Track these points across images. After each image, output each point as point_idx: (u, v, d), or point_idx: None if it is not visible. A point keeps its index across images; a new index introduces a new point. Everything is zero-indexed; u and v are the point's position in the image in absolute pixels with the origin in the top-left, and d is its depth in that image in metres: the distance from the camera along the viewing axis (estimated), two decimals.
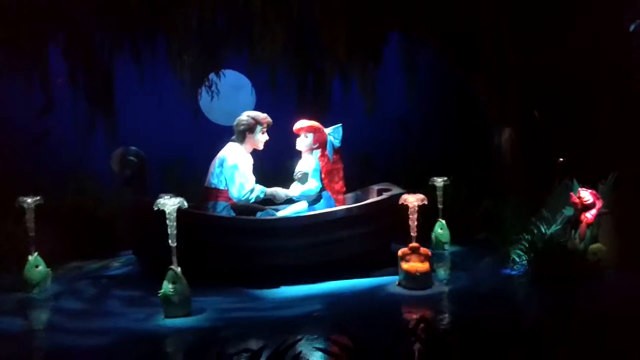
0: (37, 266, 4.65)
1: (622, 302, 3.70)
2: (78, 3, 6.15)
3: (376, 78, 6.75)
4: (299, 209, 5.28)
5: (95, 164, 7.19)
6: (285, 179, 5.63)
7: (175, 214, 3.90)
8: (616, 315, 3.39)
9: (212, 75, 7.03)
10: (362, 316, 3.75)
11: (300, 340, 2.80)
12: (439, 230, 5.62)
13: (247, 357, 2.37)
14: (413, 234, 4.40)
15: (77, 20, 6.38)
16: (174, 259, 3.91)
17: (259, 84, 7.83)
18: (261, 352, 2.42)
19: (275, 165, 6.28)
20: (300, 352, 2.59)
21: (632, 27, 4.87)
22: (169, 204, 3.91)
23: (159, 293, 3.85)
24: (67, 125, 6.84)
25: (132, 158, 5.05)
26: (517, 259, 4.67)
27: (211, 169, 5.24)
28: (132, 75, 6.91)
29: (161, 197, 3.94)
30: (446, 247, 5.60)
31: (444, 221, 5.65)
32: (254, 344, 2.89)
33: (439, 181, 5.64)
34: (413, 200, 4.40)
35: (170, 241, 3.89)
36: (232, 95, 7.75)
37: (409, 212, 4.42)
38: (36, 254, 4.69)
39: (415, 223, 4.41)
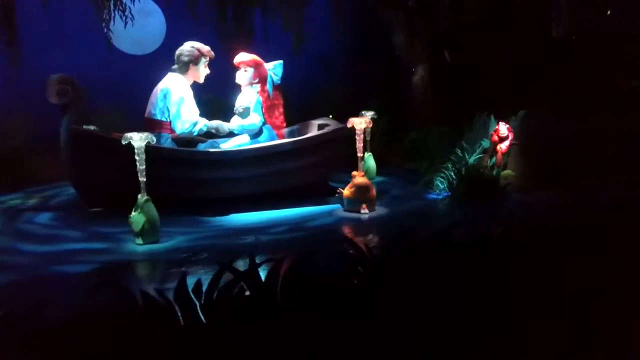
0: None
1: (530, 215, 4.77)
2: None
3: (302, 15, 7.12)
4: (241, 142, 5.66)
5: None
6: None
7: (144, 149, 4.15)
8: (529, 223, 4.40)
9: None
10: (332, 234, 4.42)
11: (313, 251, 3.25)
12: (369, 162, 6.38)
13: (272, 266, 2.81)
14: (359, 154, 5.10)
15: None
16: (143, 188, 4.20)
17: (171, 11, 7.81)
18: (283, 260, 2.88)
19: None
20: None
21: None
22: (137, 138, 4.14)
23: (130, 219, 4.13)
24: None
25: (66, 86, 5.00)
26: (439, 185, 5.60)
27: (152, 99, 5.38)
28: None
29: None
30: (375, 177, 6.40)
31: (370, 154, 6.41)
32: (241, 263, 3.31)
33: (368, 115, 6.33)
34: (360, 122, 5.07)
35: (139, 176, 4.16)
36: (140, 22, 7.64)
37: (355, 135, 5.07)
38: None
39: (361, 145, 5.09)
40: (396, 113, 7.24)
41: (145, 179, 4.19)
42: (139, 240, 4.18)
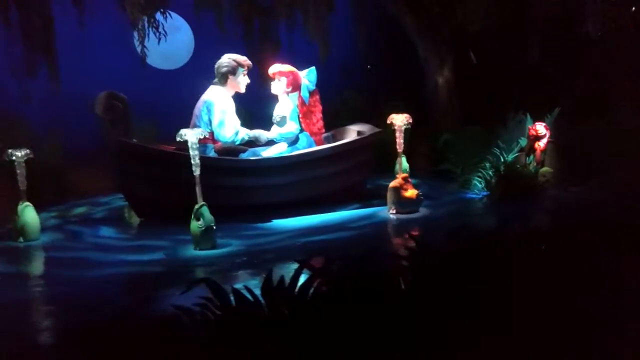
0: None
1: (570, 208, 4.94)
2: None
3: (329, 24, 7.33)
4: (280, 150, 5.85)
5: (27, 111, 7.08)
6: None
7: (198, 144, 4.39)
8: (568, 216, 4.54)
9: (158, 16, 7.13)
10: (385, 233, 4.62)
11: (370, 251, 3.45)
12: (403, 164, 6.53)
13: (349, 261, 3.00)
14: (399, 150, 5.31)
15: None
16: (199, 192, 4.40)
17: (198, 26, 8.05)
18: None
19: None
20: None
21: None
22: (191, 133, 4.37)
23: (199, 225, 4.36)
24: None
25: (116, 102, 5.25)
26: (478, 184, 5.77)
27: (196, 112, 5.60)
28: (72, 16, 6.83)
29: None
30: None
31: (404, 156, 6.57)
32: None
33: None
34: (400, 119, 5.25)
35: (194, 170, 4.38)
36: (169, 37, 7.87)
37: (396, 131, 5.29)
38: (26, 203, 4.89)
39: (402, 141, 5.28)
40: (419, 117, 7.39)
41: (199, 173, 4.38)
42: (198, 246, 4.37)
